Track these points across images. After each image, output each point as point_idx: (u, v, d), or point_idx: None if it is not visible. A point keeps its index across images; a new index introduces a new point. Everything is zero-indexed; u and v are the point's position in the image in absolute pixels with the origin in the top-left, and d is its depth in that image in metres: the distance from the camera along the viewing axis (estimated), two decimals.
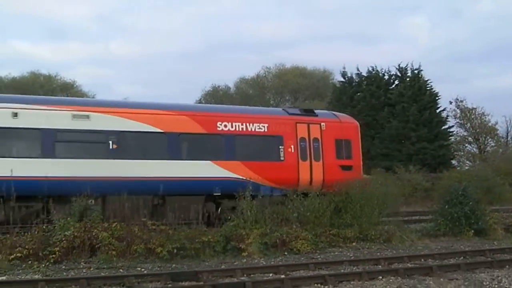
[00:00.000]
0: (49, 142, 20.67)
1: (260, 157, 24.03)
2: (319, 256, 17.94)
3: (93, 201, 20.48)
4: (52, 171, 19.90)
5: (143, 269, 15.23)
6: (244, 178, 23.01)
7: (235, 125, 23.74)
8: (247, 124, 23.97)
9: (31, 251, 15.54)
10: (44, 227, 16.82)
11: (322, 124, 25.32)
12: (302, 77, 73.65)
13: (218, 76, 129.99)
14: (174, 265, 16.00)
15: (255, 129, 24.11)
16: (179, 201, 21.49)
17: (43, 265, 15.14)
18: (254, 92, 75.29)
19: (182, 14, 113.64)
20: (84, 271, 14.95)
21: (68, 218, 17.05)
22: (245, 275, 14.62)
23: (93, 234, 16.35)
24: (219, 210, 22.60)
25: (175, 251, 16.55)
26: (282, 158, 24.25)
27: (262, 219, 19.12)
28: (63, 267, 15.30)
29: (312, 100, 68.38)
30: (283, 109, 27.13)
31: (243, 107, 28.38)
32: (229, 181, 22.73)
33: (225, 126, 23.53)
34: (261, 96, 74.50)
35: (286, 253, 18.15)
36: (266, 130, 24.24)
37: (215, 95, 74.06)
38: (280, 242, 18.36)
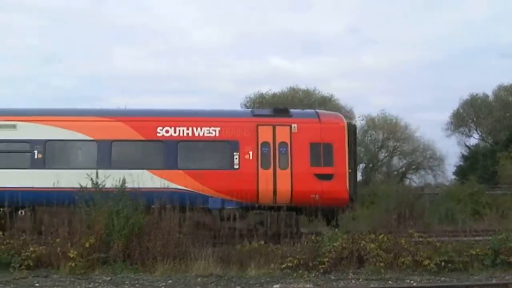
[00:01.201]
0: None
1: (208, 166, 21.77)
2: None
3: (23, 212, 20.62)
4: None
5: (412, 281, 15.10)
6: (187, 189, 21.00)
7: (179, 130, 21.76)
8: (194, 128, 21.78)
9: (301, 261, 16.02)
10: (313, 238, 17.34)
11: (293, 125, 21.90)
12: None
13: (475, 84, 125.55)
14: (442, 278, 15.59)
15: (203, 134, 21.81)
16: None
17: (313, 275, 15.51)
18: None
19: (426, 23, 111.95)
20: (353, 282, 15.07)
21: (336, 230, 17.42)
22: None
23: (361, 245, 16.38)
24: None
25: (442, 264, 16.10)
26: (236, 166, 21.51)
27: None
28: (332, 277, 15.53)
29: None
30: (251, 111, 23.77)
31: (193, 110, 24.62)
32: (169, 193, 20.42)
33: (167, 131, 21.74)
34: None
35: None
36: (217, 134, 21.80)
37: (474, 104, 71.62)
38: None
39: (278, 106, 27.70)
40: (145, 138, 21.80)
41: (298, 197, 20.97)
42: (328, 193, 21.07)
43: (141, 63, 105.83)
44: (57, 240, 16.55)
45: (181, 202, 19.72)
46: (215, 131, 21.75)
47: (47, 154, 21.45)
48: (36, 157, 21.38)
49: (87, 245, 16.14)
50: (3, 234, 17.13)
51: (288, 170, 21.49)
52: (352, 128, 22.97)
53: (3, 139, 21.59)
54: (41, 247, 16.44)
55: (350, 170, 21.88)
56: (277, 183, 21.37)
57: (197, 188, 20.94)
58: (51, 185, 20.39)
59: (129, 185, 19.43)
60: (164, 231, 16.88)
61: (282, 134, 21.77)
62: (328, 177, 21.45)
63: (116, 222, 16.54)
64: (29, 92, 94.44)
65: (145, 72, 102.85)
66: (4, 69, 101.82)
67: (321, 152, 21.63)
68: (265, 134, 21.72)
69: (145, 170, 21.04)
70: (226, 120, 22.35)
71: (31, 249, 16.24)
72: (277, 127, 21.83)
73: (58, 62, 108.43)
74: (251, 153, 21.50)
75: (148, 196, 19.70)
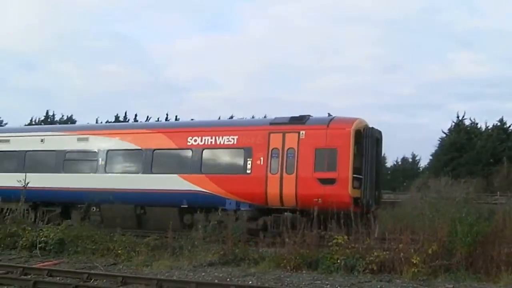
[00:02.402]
0: (60, 161, 26.85)
1: (225, 170, 23.93)
2: None
3: (94, 208, 25.67)
4: (62, 183, 25.97)
5: None
6: (208, 191, 23.45)
7: (204, 139, 24.24)
8: (217, 137, 24.05)
9: None
10: None
11: (301, 132, 22.76)
12: None
13: None
14: None
15: (223, 142, 23.97)
16: (157, 211, 23.95)
17: None
18: None
19: None
20: None
21: None
22: None
23: None
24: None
25: None
26: (248, 171, 23.15)
27: None
28: None
29: None
30: (271, 119, 25.10)
31: (218, 120, 28.58)
32: (194, 194, 23.48)
33: (195, 140, 24.38)
34: None
35: None
36: (235, 142, 23.77)
37: None
38: None
39: None
40: (178, 146, 25.13)
41: (302, 201, 21.93)
42: (330, 196, 21.03)
43: (478, 67, 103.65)
44: (400, 245, 16.90)
45: (203, 202, 23.02)
46: (234, 139, 23.84)
47: (108, 161, 25.99)
48: (100, 163, 26.08)
49: (430, 251, 16.34)
50: (348, 238, 17.89)
51: (294, 175, 22.45)
52: (368, 133, 22.85)
53: (81, 149, 26.97)
54: (384, 252, 16.92)
55: (355, 175, 22.07)
56: (283, 187, 22.50)
57: (216, 190, 23.50)
58: (110, 187, 24.98)
59: (163, 187, 23.92)
60: (509, 239, 16.30)
61: (291, 141, 22.83)
62: (330, 181, 21.91)
63: (459, 229, 16.42)
64: (364, 101, 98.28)
65: (481, 75, 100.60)
66: (344, 79, 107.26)
67: (325, 158, 22.29)
68: (275, 141, 23.03)
69: (176, 175, 24.30)
70: (244, 129, 24.68)
71: (375, 253, 16.80)
72: (286, 134, 22.99)
73: (397, 70, 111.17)
74: (262, 158, 23.01)
75: (178, 197, 23.64)
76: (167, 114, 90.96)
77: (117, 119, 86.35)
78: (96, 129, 29.54)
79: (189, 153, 24.64)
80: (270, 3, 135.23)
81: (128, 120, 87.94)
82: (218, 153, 24.65)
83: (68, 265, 18.33)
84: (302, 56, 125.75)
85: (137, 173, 25.38)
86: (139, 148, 25.68)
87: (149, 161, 25.21)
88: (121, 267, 18.23)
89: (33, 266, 17.79)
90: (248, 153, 23.36)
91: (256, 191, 22.86)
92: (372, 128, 23.44)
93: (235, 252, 18.35)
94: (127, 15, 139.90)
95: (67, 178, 26.35)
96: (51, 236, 20.42)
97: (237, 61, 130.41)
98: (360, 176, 22.31)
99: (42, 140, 27.85)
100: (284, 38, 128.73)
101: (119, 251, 19.46)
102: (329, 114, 24.99)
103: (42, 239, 20.43)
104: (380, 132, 23.99)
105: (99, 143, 26.61)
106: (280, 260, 17.50)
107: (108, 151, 26.14)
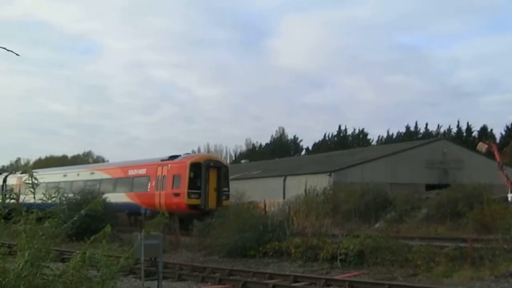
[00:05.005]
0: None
1: (141, 189, 39.01)
2: None
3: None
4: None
5: None
6: (133, 202, 38.98)
7: (134, 171, 40.56)
8: (138, 169, 40.35)
9: None
10: None
11: (169, 165, 37.36)
12: None
13: None
14: None
15: (141, 172, 39.83)
16: (119, 215, 37.19)
17: None
18: None
19: None
20: None
21: None
22: None
23: None
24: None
25: None
26: (149, 190, 38.25)
27: None
28: None
29: None
30: (162, 158, 39.46)
31: (142, 159, 43.78)
32: (129, 205, 38.83)
33: (131, 172, 40.76)
34: None
35: None
36: (145, 172, 39.41)
37: None
38: None
39: None
40: (125, 176, 41.31)
41: (169, 207, 34.79)
42: (178, 204, 35.67)
43: None
44: None
45: (133, 210, 38.69)
46: (144, 170, 39.51)
47: (101, 186, 42.03)
48: (98, 187, 42.17)
49: None
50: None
51: (164, 192, 36.88)
52: (205, 164, 36.54)
53: (90, 179, 44.30)
54: None
55: (192, 190, 35.57)
56: (161, 199, 37.02)
57: (137, 202, 38.80)
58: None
59: (120, 200, 38.46)
60: None
61: (165, 171, 37.33)
62: (178, 195, 35.96)
63: None
64: None
65: None
66: None
67: (176, 180, 36.33)
68: (160, 171, 37.68)
69: (123, 193, 40.17)
70: (148, 164, 39.83)
71: None
72: (163, 167, 37.59)
73: None
74: (154, 182, 37.87)
75: (125, 206, 38.80)
76: (458, 122, 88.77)
77: (407, 129, 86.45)
78: (96, 167, 47.82)
79: (129, 180, 40.78)
80: None
81: (419, 129, 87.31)
82: (139, 180, 39.95)
83: (368, 276, 18.75)
84: None
85: (112, 192, 39.97)
86: (111, 177, 42.71)
87: (115, 185, 41.73)
88: (420, 277, 18.21)
89: (335, 277, 18.48)
90: (149, 179, 38.60)
91: (152, 202, 37.52)
92: (207, 161, 37.53)
93: None
94: (407, 25, 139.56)
95: None
96: (350, 248, 21.01)
97: None
98: (198, 191, 35.79)
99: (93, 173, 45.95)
100: None
101: (418, 262, 19.51)
102: None
103: (342, 251, 21.13)
104: (222, 163, 39.96)
105: (97, 176, 43.89)
106: None
107: (101, 180, 43.13)
